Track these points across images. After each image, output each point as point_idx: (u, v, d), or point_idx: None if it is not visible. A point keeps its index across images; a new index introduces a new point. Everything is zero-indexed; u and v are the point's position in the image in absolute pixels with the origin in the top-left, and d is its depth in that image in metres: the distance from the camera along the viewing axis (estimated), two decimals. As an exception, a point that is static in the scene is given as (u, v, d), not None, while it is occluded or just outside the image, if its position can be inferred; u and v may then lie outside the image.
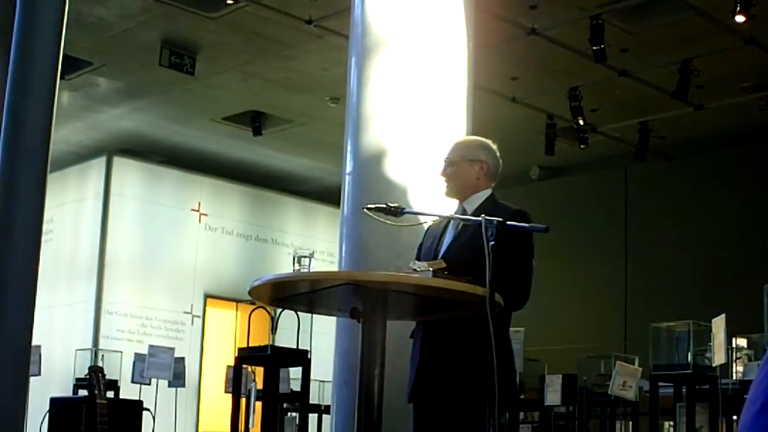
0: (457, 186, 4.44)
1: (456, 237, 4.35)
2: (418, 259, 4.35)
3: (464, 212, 4.37)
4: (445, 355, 4.23)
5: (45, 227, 5.33)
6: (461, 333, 4.16)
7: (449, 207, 4.58)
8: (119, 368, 12.93)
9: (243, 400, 8.97)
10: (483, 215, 3.84)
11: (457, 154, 4.48)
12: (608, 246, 15.55)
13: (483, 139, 4.63)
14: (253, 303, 8.03)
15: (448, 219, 4.43)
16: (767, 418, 1.37)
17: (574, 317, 15.30)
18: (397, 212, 4.08)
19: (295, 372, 9.72)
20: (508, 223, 3.82)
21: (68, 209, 15.69)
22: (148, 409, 10.15)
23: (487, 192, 4.46)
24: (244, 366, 8.85)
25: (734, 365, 9.94)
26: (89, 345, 14.40)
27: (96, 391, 7.82)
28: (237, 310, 15.33)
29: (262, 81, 13.07)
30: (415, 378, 4.31)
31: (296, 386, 9.84)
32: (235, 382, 8.65)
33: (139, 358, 12.17)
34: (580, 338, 14.49)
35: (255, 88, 13.38)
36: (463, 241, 4.27)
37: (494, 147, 4.54)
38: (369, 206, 4.17)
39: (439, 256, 4.27)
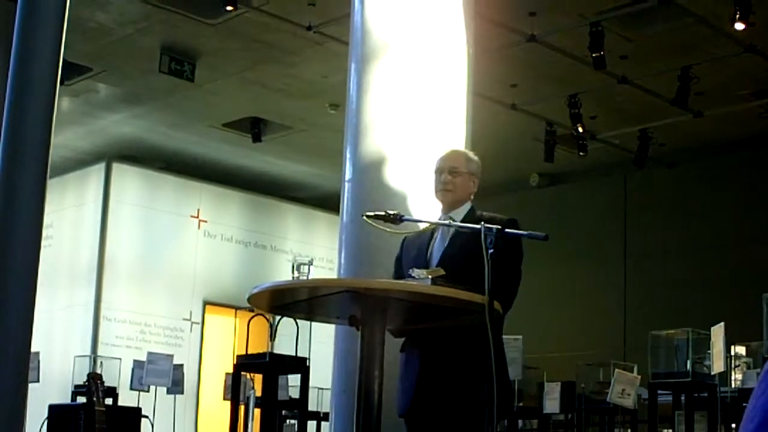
0: (457, 196, 4.43)
1: (449, 245, 4.35)
2: (401, 272, 4.36)
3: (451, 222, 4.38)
4: (445, 367, 4.21)
5: (44, 233, 5.32)
6: (458, 343, 4.15)
7: (436, 213, 4.58)
8: (118, 375, 12.93)
9: (242, 407, 8.96)
10: (483, 223, 3.84)
11: (464, 165, 4.47)
12: (607, 253, 15.55)
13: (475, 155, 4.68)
14: (252, 310, 8.05)
15: (432, 229, 4.43)
16: None
17: (573, 325, 15.28)
18: (396, 219, 4.08)
19: (294, 379, 9.71)
20: (506, 230, 3.82)
21: (68, 215, 15.69)
22: (146, 416, 10.14)
23: (469, 203, 4.48)
24: (242, 373, 8.85)
25: (733, 373, 9.93)
26: (88, 351, 14.39)
27: (94, 398, 7.80)
28: (236, 317, 15.29)
29: (261, 87, 13.08)
30: (415, 391, 4.29)
31: (295, 393, 9.84)
32: (234, 389, 8.64)
33: (137, 364, 12.17)
34: (578, 346, 14.48)
35: (255, 95, 13.38)
36: (456, 250, 4.27)
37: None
38: (368, 213, 4.17)
39: (433, 266, 4.26)
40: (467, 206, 4.47)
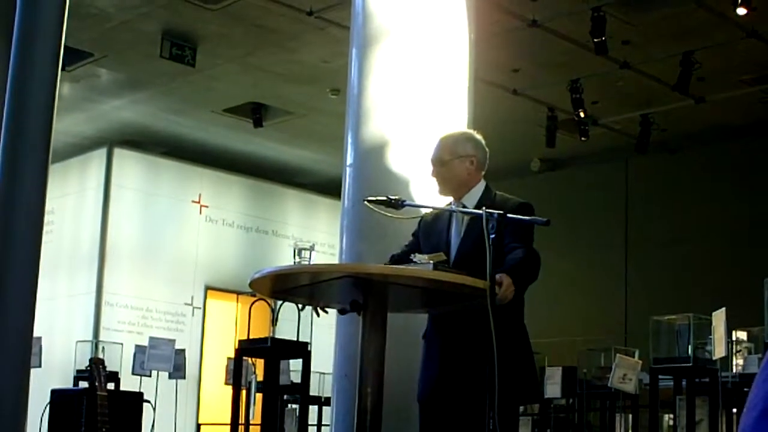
0: (452, 185, 4.39)
1: (465, 235, 4.32)
2: (413, 248, 4.36)
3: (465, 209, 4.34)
4: (466, 355, 4.20)
5: (46, 218, 5.33)
6: (480, 331, 4.13)
7: (448, 200, 4.56)
8: (120, 360, 12.94)
9: (243, 392, 8.98)
10: (484, 208, 3.83)
11: (448, 152, 4.41)
12: (608, 238, 15.55)
13: (468, 132, 4.61)
14: (253, 295, 8.06)
15: (449, 215, 4.41)
16: (767, 423, 1.36)
17: (575, 310, 15.30)
18: (398, 205, 4.08)
19: (296, 364, 9.72)
20: (508, 215, 3.82)
21: (69, 201, 15.70)
22: (148, 401, 10.16)
23: (482, 185, 4.43)
24: (244, 358, 8.86)
25: (734, 358, 9.94)
26: (90, 336, 14.40)
27: (96, 383, 7.82)
28: (238, 302, 15.27)
29: (262, 72, 13.06)
30: (436, 378, 4.28)
31: (296, 378, 9.86)
32: (236, 374, 8.66)
33: (139, 349, 12.17)
34: (580, 331, 14.50)
35: (256, 80, 13.37)
36: (474, 239, 4.22)
37: (480, 137, 4.50)
38: (370, 198, 4.17)
39: (452, 256, 4.25)
40: (480, 188, 4.41)
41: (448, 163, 4.38)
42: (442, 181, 4.41)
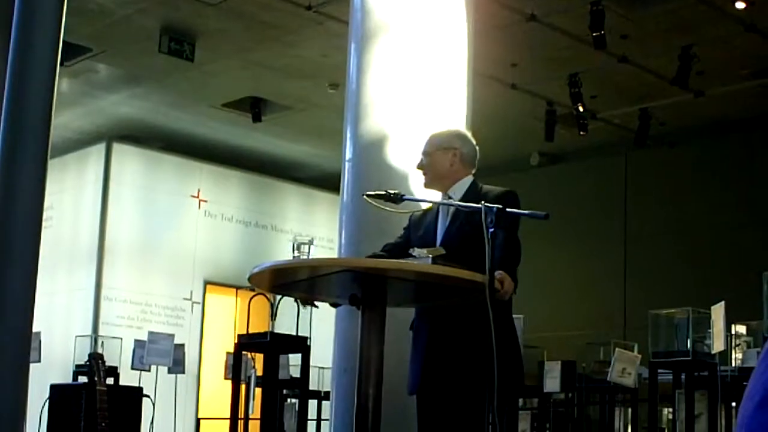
0: (434, 175, 4.47)
1: (448, 226, 4.37)
2: (402, 244, 4.40)
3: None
4: (451, 346, 4.22)
5: (45, 214, 5.33)
6: (466, 322, 4.15)
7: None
8: (119, 355, 12.93)
9: (243, 387, 8.99)
10: (483, 202, 3.84)
11: (432, 145, 4.51)
12: (608, 233, 15.54)
13: (457, 129, 4.71)
14: (252, 289, 8.07)
15: (437, 208, 4.45)
16: (766, 412, 1.36)
17: (574, 304, 15.30)
18: (397, 199, 4.09)
19: (295, 358, 9.73)
20: (508, 210, 3.83)
21: (68, 196, 15.69)
22: (147, 396, 10.16)
23: (469, 179, 4.48)
24: (243, 352, 8.87)
25: (733, 352, 9.94)
26: (89, 331, 14.40)
27: (96, 378, 7.83)
28: (237, 296, 15.28)
29: (261, 67, 13.05)
30: (422, 369, 4.30)
31: (296, 373, 9.86)
32: (235, 369, 8.67)
33: (138, 344, 12.17)
34: (579, 325, 14.50)
35: (254, 75, 13.36)
36: (454, 230, 4.30)
37: (469, 135, 4.60)
38: (368, 193, 4.18)
39: (438, 245, 4.27)
40: (466, 182, 4.47)
41: (432, 154, 4.47)
42: (425, 172, 4.48)
